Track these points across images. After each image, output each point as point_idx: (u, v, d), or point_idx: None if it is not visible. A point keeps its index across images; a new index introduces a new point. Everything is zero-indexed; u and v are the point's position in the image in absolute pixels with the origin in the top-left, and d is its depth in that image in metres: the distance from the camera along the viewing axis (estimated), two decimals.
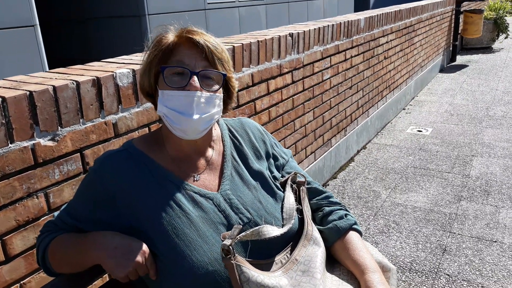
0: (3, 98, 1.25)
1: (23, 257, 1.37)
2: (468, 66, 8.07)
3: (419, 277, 2.39)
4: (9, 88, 1.35)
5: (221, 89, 1.08)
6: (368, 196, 3.34)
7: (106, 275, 1.44)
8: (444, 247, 2.65)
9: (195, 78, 1.02)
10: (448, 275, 2.39)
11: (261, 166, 1.18)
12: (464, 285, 2.30)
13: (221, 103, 1.09)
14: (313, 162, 3.28)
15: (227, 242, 0.95)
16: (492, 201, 3.17)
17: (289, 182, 1.19)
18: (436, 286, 2.31)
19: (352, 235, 1.16)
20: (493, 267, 2.43)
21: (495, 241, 2.67)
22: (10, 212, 1.32)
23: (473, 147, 4.20)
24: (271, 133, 2.58)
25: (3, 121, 1.25)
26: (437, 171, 3.72)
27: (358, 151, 4.24)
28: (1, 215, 1.29)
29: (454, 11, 7.87)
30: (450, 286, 2.31)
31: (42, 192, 1.39)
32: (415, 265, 2.49)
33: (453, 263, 2.49)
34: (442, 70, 7.77)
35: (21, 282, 1.38)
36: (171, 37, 1.06)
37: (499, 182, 3.46)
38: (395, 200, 3.25)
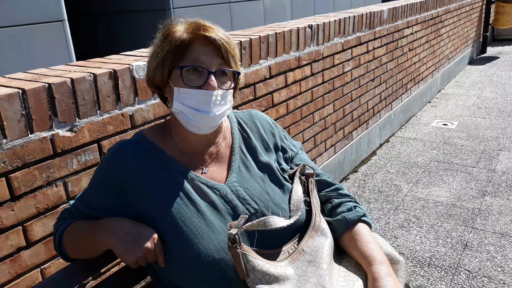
0: (23, 90, 1.30)
1: (43, 243, 1.43)
2: (499, 58, 7.81)
3: (438, 272, 2.35)
4: (29, 80, 1.40)
5: (233, 85, 1.10)
6: (389, 190, 3.30)
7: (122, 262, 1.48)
8: (465, 242, 2.59)
9: (213, 77, 1.04)
10: (469, 271, 2.35)
11: (269, 158, 1.19)
12: (485, 282, 2.26)
13: (232, 99, 1.11)
14: (333, 156, 3.26)
15: (233, 231, 0.97)
16: None
17: (297, 174, 1.20)
18: (455, 281, 2.27)
19: (361, 227, 1.16)
20: None
21: None
22: (31, 200, 1.37)
23: (501, 141, 4.08)
24: (289, 126, 2.59)
25: (23, 112, 1.30)
26: (461, 166, 3.63)
27: (381, 145, 4.18)
28: (22, 203, 1.35)
29: (485, 1, 7.61)
30: (470, 282, 2.26)
31: (61, 181, 1.44)
32: (434, 260, 2.45)
33: (474, 259, 2.44)
34: (472, 62, 7.55)
35: (42, 267, 1.44)
36: (183, 31, 1.04)
37: None
38: (417, 195, 3.20)
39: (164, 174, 1.08)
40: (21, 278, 1.38)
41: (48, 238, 1.44)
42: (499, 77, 6.48)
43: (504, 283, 2.23)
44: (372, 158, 3.93)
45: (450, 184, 3.33)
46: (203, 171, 1.12)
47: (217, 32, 1.05)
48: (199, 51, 1.04)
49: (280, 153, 1.23)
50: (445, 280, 2.29)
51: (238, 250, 0.97)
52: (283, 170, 1.20)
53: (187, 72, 1.04)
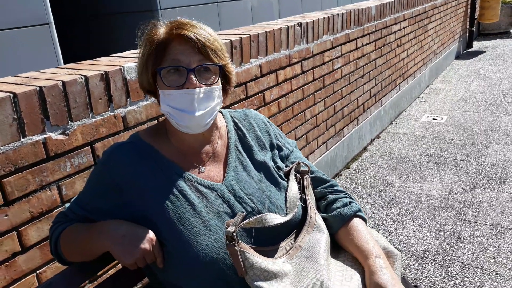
0: (14, 94, 1.29)
1: (38, 247, 1.42)
2: (485, 52, 7.91)
3: (432, 265, 2.38)
4: (20, 84, 1.39)
5: (219, 79, 1.09)
6: (382, 185, 3.32)
7: (119, 264, 1.48)
8: (458, 235, 2.63)
9: (192, 76, 1.03)
10: (462, 262, 2.38)
11: (264, 156, 1.20)
12: (478, 273, 2.29)
13: (221, 94, 1.11)
14: (325, 153, 3.28)
15: (231, 229, 0.97)
16: (508, 188, 3.12)
17: (292, 171, 1.20)
18: (449, 274, 2.30)
19: (356, 222, 1.17)
20: (508, 255, 2.41)
21: (511, 229, 2.64)
22: (25, 204, 1.36)
23: (489, 134, 4.14)
24: (281, 124, 2.60)
25: (15, 116, 1.29)
26: (451, 159, 3.68)
27: (372, 141, 4.21)
28: (16, 207, 1.34)
29: None
30: (463, 273, 2.29)
31: (55, 184, 1.43)
32: (428, 253, 2.48)
33: (467, 251, 2.47)
34: (458, 56, 7.63)
35: (38, 271, 1.43)
36: (162, 33, 1.05)
37: None
38: (409, 189, 3.23)
39: (161, 175, 1.08)
40: (17, 284, 1.37)
41: (43, 243, 1.43)
42: (486, 71, 6.56)
43: (496, 274, 2.26)
44: (363, 154, 3.95)
45: (441, 177, 3.37)
46: (200, 170, 1.12)
47: (193, 29, 1.04)
48: (176, 51, 1.03)
49: (276, 151, 1.24)
50: (439, 273, 2.31)
51: (236, 248, 0.97)
52: (278, 168, 1.21)
53: (167, 74, 1.04)
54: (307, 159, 3.01)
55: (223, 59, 1.09)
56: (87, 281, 1.51)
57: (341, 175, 3.57)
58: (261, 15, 8.02)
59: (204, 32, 1.05)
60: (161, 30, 1.06)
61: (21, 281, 1.38)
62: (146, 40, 1.07)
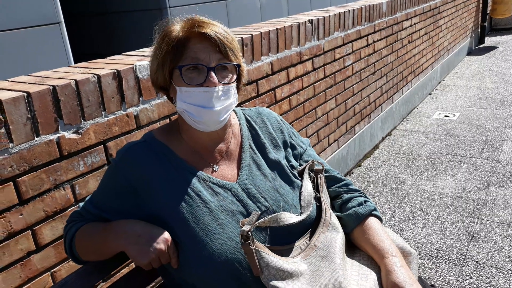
0: (28, 94, 1.29)
1: (52, 246, 1.42)
2: (497, 47, 7.80)
3: (446, 264, 2.35)
4: (33, 83, 1.39)
5: (235, 78, 1.09)
6: (394, 184, 3.29)
7: (132, 264, 1.48)
8: (472, 233, 2.59)
9: (213, 74, 1.03)
10: (476, 261, 2.35)
11: (278, 155, 1.19)
12: (493, 272, 2.25)
13: (236, 92, 1.10)
14: (336, 150, 3.26)
15: (246, 228, 0.97)
16: None
17: (306, 170, 1.19)
18: (463, 273, 2.27)
19: (372, 221, 1.15)
20: None
21: None
22: (39, 203, 1.37)
23: (503, 131, 4.08)
24: (292, 122, 2.58)
25: (29, 116, 1.30)
26: (464, 157, 3.63)
27: (383, 138, 4.18)
28: (30, 207, 1.34)
29: None
30: (478, 273, 2.26)
31: (68, 183, 1.43)
32: (442, 252, 2.45)
33: (481, 249, 2.44)
34: (470, 52, 7.54)
35: (52, 270, 1.44)
36: (180, 30, 1.04)
37: None
38: (421, 187, 3.20)
39: (175, 174, 1.08)
40: (32, 282, 1.38)
41: (57, 241, 1.43)
42: (498, 67, 6.47)
43: None
44: (375, 151, 3.92)
45: (454, 175, 3.33)
46: (214, 169, 1.11)
47: (213, 27, 1.04)
48: (196, 49, 1.03)
49: (289, 150, 1.23)
50: (454, 272, 2.29)
51: (251, 247, 0.97)
52: (292, 167, 1.20)
53: (187, 71, 1.03)
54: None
55: (238, 58, 1.09)
56: (100, 280, 1.52)
57: (352, 173, 3.55)
58: (270, 12, 7.99)
59: (223, 31, 1.05)
60: (178, 27, 1.05)
61: (36, 279, 1.39)
62: (163, 37, 1.05)
